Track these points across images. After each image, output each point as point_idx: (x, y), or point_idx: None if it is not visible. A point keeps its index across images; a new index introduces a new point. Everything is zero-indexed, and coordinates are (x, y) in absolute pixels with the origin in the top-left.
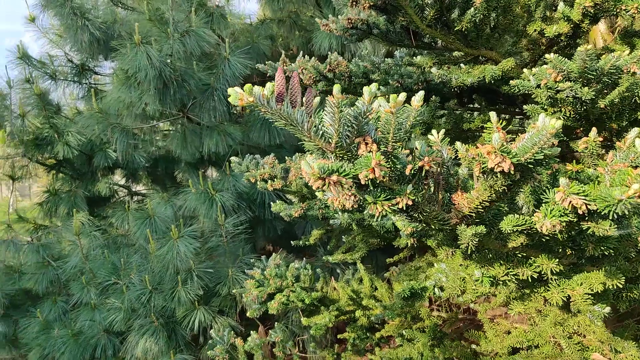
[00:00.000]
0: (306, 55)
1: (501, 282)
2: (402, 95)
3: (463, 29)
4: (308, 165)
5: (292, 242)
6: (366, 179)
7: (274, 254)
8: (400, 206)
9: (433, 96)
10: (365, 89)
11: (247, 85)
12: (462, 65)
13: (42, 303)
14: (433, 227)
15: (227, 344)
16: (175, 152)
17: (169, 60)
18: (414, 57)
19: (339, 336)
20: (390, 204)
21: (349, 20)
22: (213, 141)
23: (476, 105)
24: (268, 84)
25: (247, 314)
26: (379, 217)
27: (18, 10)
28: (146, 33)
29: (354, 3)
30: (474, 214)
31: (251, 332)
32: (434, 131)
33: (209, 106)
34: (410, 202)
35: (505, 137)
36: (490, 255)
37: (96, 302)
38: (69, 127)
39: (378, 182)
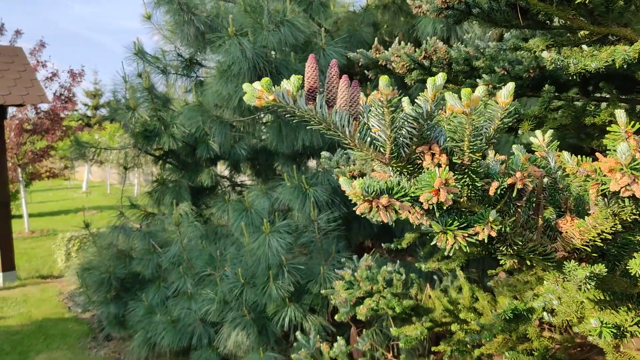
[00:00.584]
0: (402, 42)
1: (629, 333)
2: (480, 90)
3: (587, 2)
4: (347, 183)
5: (382, 244)
6: (429, 204)
7: (365, 254)
8: (480, 238)
9: (547, 85)
10: (429, 81)
11: (265, 80)
12: (584, 47)
13: (148, 288)
14: (529, 262)
15: (313, 348)
16: (272, 145)
17: (266, 52)
18: (526, 41)
19: (433, 349)
20: (465, 234)
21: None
22: (307, 134)
23: (604, 94)
24: (293, 78)
25: (335, 317)
26: (450, 250)
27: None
28: (241, 24)
29: None
30: (589, 247)
31: (338, 337)
32: (538, 132)
33: None
34: (494, 233)
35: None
36: (613, 296)
37: (193, 292)
38: (175, 120)
39: (446, 207)
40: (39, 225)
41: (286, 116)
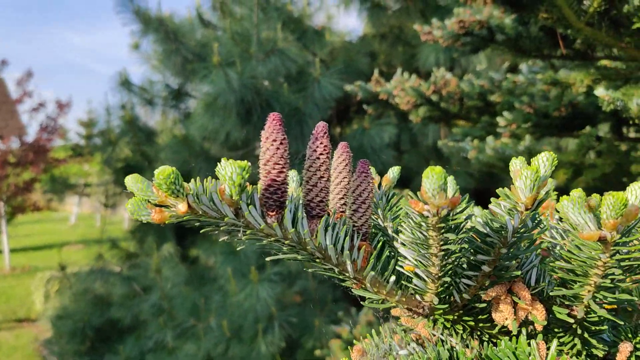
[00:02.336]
0: (405, 73)
1: None
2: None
3: None
4: None
5: None
6: None
7: (365, 307)
8: None
9: (588, 127)
10: (519, 169)
11: (164, 170)
12: None
13: (127, 338)
14: None
15: None
16: None
17: (255, 83)
18: (555, 71)
19: None
20: None
21: (461, 24)
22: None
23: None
24: (230, 167)
25: None
26: None
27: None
28: (227, 53)
29: None
30: None
31: None
32: None
33: (296, 133)
34: None
35: None
36: None
37: (174, 345)
38: (160, 154)
39: None
40: (20, 262)
41: (221, 238)
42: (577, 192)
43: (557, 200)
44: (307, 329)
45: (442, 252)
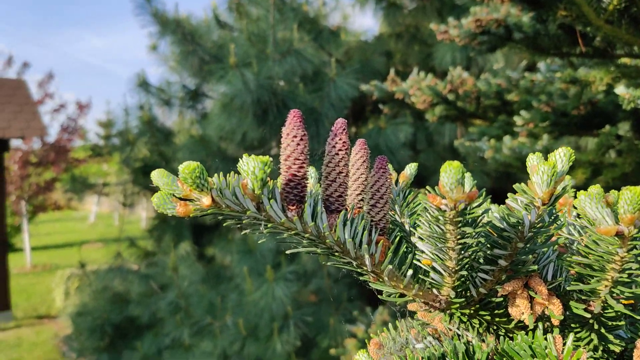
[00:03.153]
0: (421, 72)
1: None
2: None
3: None
4: None
5: None
6: None
7: (380, 306)
8: None
9: (607, 125)
10: (536, 164)
11: (189, 165)
12: None
13: (145, 335)
14: None
15: None
16: None
17: (271, 84)
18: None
19: None
20: None
21: (478, 23)
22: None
23: None
24: (253, 162)
25: None
26: None
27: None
28: (243, 54)
29: None
30: None
31: None
32: None
33: (312, 133)
34: None
35: None
36: None
37: (190, 343)
38: (177, 154)
39: None
40: (41, 260)
41: (242, 231)
42: (595, 188)
43: (575, 197)
44: (322, 328)
45: (459, 246)
